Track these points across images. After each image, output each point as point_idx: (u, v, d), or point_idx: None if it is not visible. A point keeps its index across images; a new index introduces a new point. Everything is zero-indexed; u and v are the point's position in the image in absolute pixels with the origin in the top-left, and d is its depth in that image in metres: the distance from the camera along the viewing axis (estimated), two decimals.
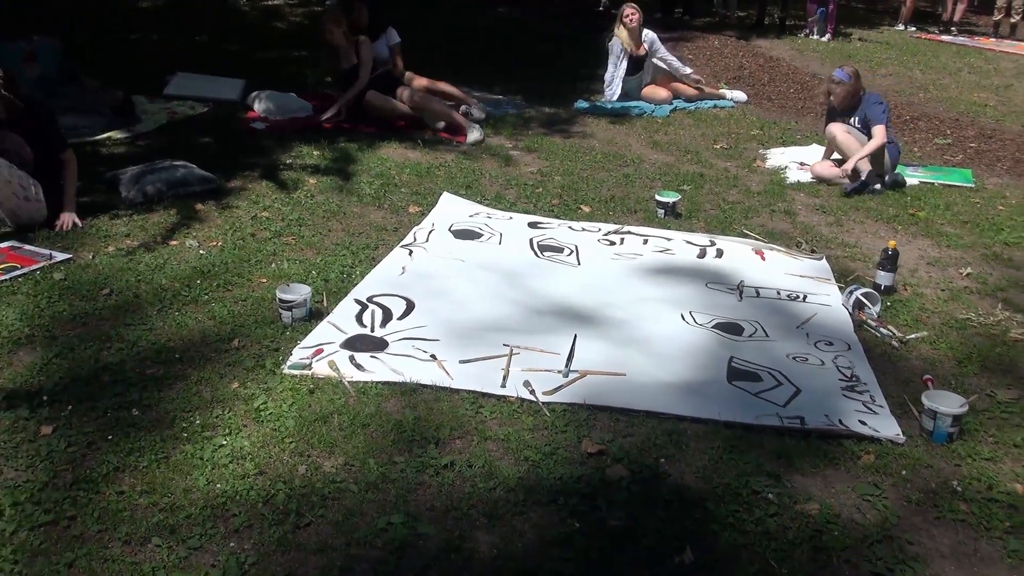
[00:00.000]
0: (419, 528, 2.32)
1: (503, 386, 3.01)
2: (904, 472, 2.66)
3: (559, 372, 3.13)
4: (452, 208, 4.79)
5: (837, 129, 5.76)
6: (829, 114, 6.00)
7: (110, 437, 2.63)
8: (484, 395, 2.95)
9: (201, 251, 4.04)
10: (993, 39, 12.51)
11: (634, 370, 3.18)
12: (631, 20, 7.46)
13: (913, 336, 3.62)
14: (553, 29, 11.13)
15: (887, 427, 2.88)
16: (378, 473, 2.52)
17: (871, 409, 3.00)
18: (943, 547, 2.36)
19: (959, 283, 4.26)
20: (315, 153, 5.65)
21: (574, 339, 3.37)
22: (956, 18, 13.00)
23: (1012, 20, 12.82)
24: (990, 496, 2.58)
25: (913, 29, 12.88)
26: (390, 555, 2.22)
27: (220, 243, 4.15)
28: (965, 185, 5.89)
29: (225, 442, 2.63)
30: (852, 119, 5.84)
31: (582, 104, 7.58)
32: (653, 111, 7.45)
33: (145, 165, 4.80)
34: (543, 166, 5.76)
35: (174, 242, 4.14)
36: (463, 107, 6.70)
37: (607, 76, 7.72)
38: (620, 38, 7.51)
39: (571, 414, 2.88)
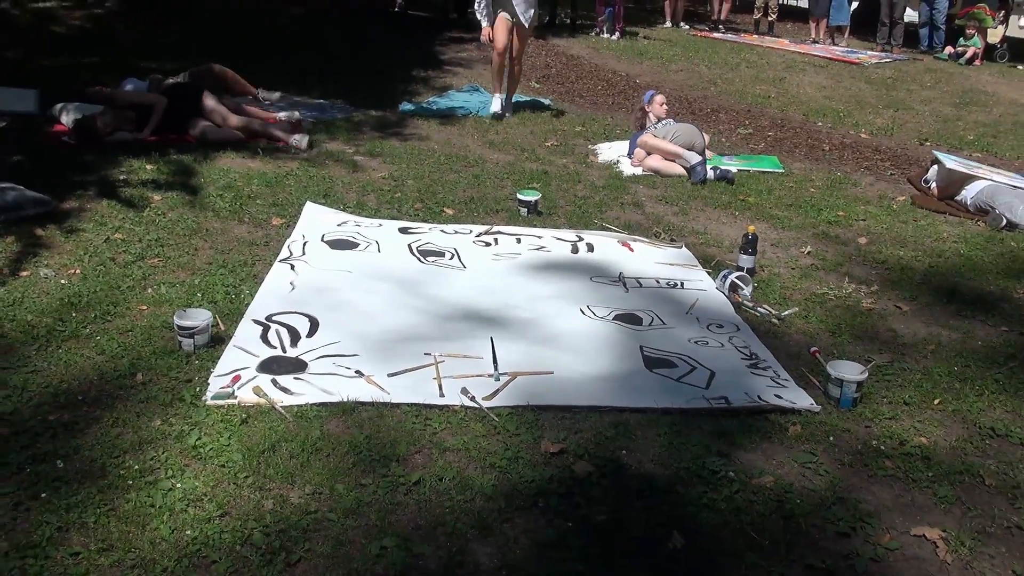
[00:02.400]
0: (414, 548, 2.26)
1: (441, 395, 2.98)
2: (831, 438, 2.90)
3: (489, 376, 3.14)
4: (318, 218, 4.65)
5: (648, 138, 6.18)
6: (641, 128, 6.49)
7: (43, 495, 2.36)
8: (426, 406, 2.91)
9: (62, 281, 3.68)
10: (756, 36, 13.65)
11: (560, 368, 3.24)
12: None
13: (787, 312, 3.93)
14: (354, 31, 10.96)
15: (800, 398, 3.12)
16: (351, 498, 2.43)
17: (779, 383, 3.24)
18: (886, 501, 2.60)
19: (804, 261, 4.66)
20: (148, 167, 5.27)
21: (492, 342, 3.39)
22: (722, 16, 14.07)
23: (769, 18, 14.05)
24: (905, 451, 2.86)
25: (687, 27, 13.80)
26: None
27: (79, 271, 3.80)
28: (776, 171, 6.42)
29: (173, 485, 2.43)
30: (656, 125, 6.35)
31: (407, 106, 7.55)
32: (478, 111, 7.55)
33: None
34: (392, 170, 5.70)
35: (24, 272, 3.75)
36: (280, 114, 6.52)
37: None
38: None
39: (517, 416, 2.90)
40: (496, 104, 7.38)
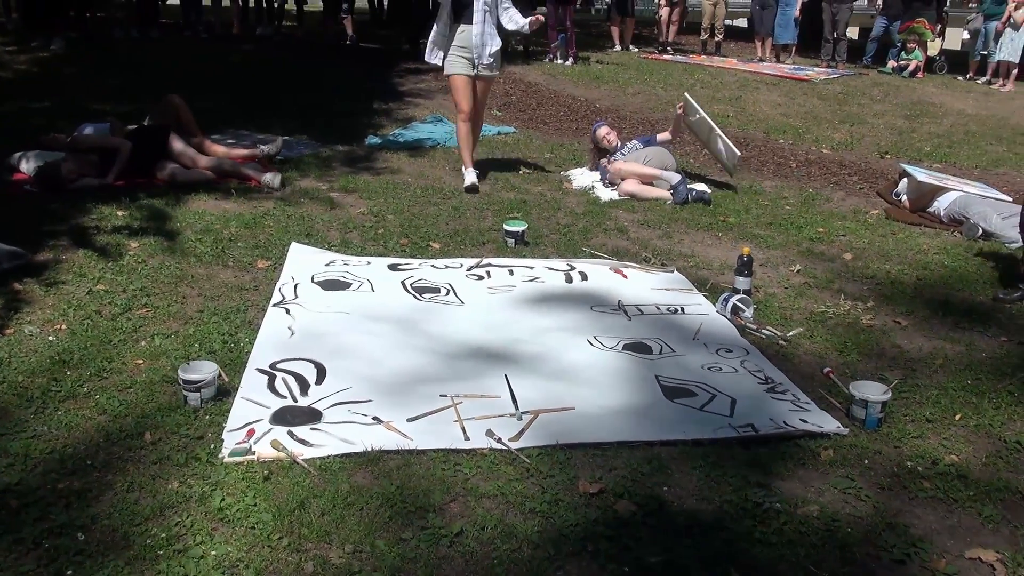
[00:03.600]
0: None
1: (467, 439, 2.89)
2: (865, 461, 2.87)
3: (511, 415, 3.05)
4: (305, 258, 4.53)
5: (621, 164, 6.21)
6: (601, 155, 6.59)
7: (68, 572, 2.21)
8: (453, 451, 2.81)
9: (49, 337, 3.51)
10: (704, 56, 13.84)
11: (580, 403, 3.17)
12: None
13: (792, 333, 3.91)
14: (307, 65, 10.84)
15: (825, 422, 3.09)
16: (394, 555, 2.33)
17: (801, 407, 3.21)
18: (933, 524, 2.57)
19: (796, 280, 4.67)
20: (120, 213, 5.10)
21: (507, 380, 3.31)
22: (670, 38, 14.25)
23: (716, 39, 14.26)
24: (939, 471, 2.84)
25: (636, 50, 13.93)
26: None
27: (64, 326, 3.63)
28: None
29: (204, 552, 2.30)
30: (623, 150, 6.38)
31: (374, 140, 7.46)
32: (445, 142, 7.49)
33: None
34: (370, 206, 5.60)
35: (8, 330, 3.57)
36: (260, 148, 6.38)
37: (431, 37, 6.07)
38: None
39: (547, 456, 2.82)
40: (470, 177, 6.15)
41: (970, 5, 12.87)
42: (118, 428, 2.90)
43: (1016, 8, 11.51)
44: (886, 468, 2.84)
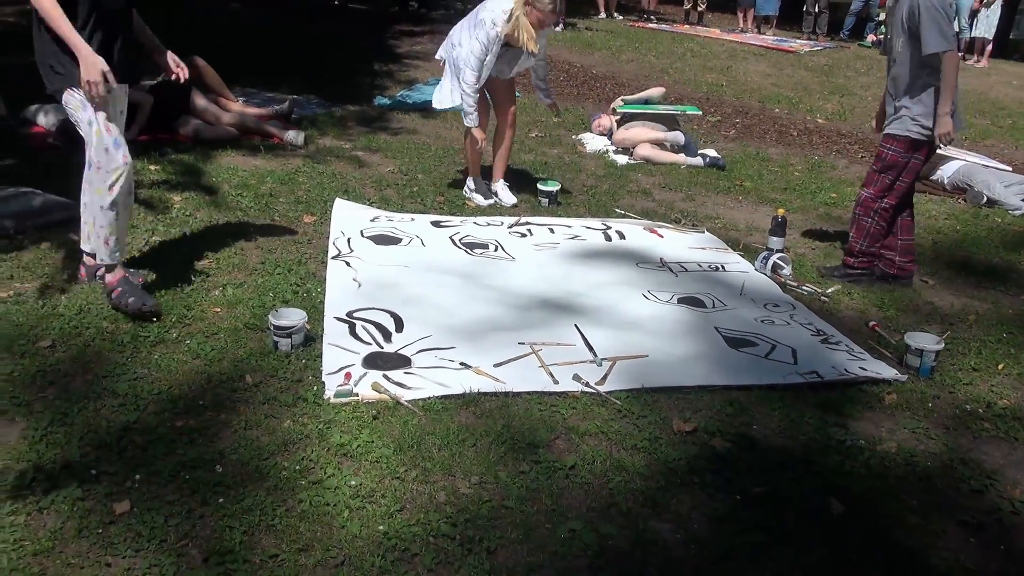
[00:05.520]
0: (600, 529, 2.31)
1: (556, 383, 3.02)
2: (929, 404, 3.07)
3: (591, 362, 3.19)
4: (350, 214, 4.61)
5: (624, 133, 6.38)
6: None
7: (221, 500, 2.31)
8: (546, 394, 2.95)
9: None
10: (687, 25, 13.98)
11: (651, 351, 3.33)
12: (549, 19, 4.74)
13: (832, 290, 4.11)
14: (298, 26, 10.76)
15: (883, 369, 3.29)
16: (518, 485, 2.47)
17: (857, 356, 3.40)
18: (999, 459, 2.78)
19: (820, 241, 4.86)
20: (152, 168, 5.11)
21: (578, 330, 3.45)
22: (651, 7, 14.37)
23: (699, 9, 14.41)
24: (995, 413, 3.06)
25: (620, 18, 14.03)
26: (595, 560, 2.21)
27: None
28: (695, 113, 7.11)
29: (339, 483, 2.42)
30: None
31: (383, 100, 7.49)
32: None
33: None
34: (398, 165, 5.67)
35: (79, 282, 3.61)
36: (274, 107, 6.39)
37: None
38: (521, 28, 4.63)
39: (634, 399, 2.97)
40: (504, 193, 5.10)
41: None
42: (217, 371, 2.98)
43: None
44: (947, 411, 3.05)
